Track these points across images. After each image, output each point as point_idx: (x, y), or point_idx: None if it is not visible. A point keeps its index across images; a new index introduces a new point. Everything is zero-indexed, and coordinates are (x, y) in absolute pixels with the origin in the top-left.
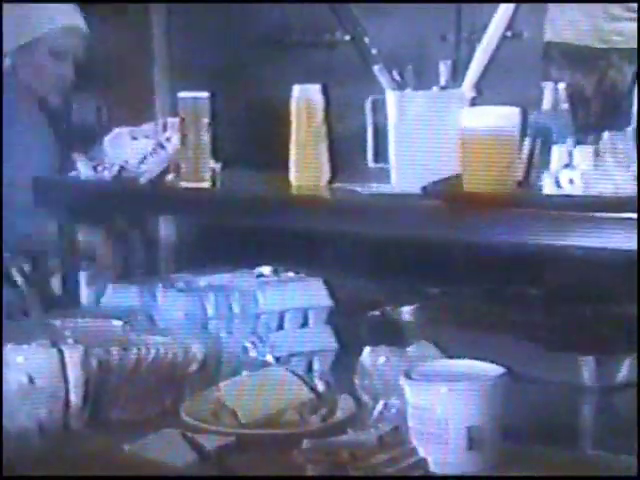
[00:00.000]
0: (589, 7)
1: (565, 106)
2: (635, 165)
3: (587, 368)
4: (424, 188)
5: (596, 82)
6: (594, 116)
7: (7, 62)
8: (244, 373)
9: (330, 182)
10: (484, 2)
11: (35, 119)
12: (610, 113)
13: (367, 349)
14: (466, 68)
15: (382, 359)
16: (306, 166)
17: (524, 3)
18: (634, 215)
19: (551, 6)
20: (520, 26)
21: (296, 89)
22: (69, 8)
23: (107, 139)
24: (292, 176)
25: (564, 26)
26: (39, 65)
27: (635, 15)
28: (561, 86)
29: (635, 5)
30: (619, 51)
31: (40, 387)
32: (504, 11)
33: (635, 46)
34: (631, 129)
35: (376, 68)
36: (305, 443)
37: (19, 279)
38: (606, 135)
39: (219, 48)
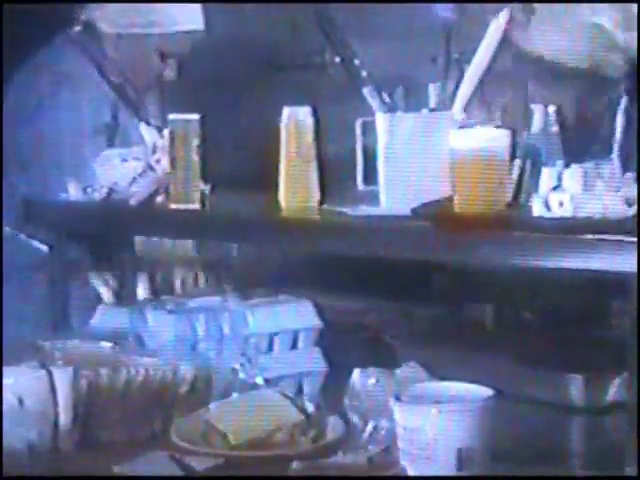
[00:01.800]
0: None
1: (555, 129)
2: (624, 188)
3: (576, 387)
4: (414, 210)
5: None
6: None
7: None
8: (234, 395)
9: (320, 204)
10: (484, 2)
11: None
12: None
13: (357, 371)
14: (456, 90)
15: (372, 381)
16: (296, 188)
17: (524, 3)
18: (623, 237)
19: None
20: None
21: (286, 111)
22: (195, 11)
23: (97, 161)
24: (282, 198)
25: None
26: (142, 61)
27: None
28: (551, 109)
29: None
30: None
31: (30, 408)
32: (494, 33)
33: None
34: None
35: (366, 90)
36: (295, 465)
37: None
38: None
39: (208, 69)
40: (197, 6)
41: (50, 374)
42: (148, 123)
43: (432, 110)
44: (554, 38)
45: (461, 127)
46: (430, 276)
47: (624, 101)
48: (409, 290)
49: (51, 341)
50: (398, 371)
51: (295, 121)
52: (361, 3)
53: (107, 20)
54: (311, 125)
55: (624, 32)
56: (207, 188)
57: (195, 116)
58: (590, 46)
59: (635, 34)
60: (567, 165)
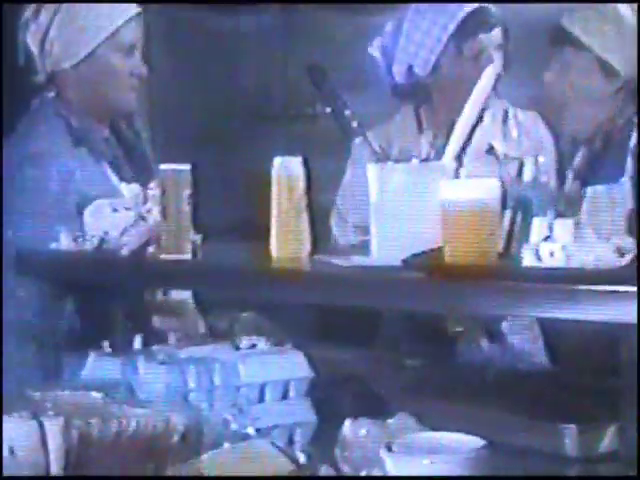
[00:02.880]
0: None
1: (545, 178)
2: (615, 237)
3: (569, 438)
4: (405, 260)
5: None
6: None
7: (49, 94)
8: (225, 445)
9: (311, 254)
10: (485, 2)
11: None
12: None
13: (348, 421)
14: (446, 140)
15: (363, 431)
16: (287, 238)
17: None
18: (615, 288)
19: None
20: None
21: (277, 161)
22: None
23: (87, 211)
24: (273, 248)
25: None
26: (107, 68)
27: None
28: (541, 159)
29: None
30: None
31: (21, 458)
32: (485, 82)
33: None
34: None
35: (357, 141)
36: None
37: None
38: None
39: (200, 119)
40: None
41: (41, 424)
42: (128, 181)
43: (423, 160)
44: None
45: (453, 177)
46: (421, 326)
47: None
48: (400, 340)
49: (42, 391)
50: (389, 421)
51: (286, 171)
52: (360, 4)
53: (59, 60)
54: (302, 175)
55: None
56: (198, 238)
57: (186, 166)
58: None
59: None
60: (558, 215)
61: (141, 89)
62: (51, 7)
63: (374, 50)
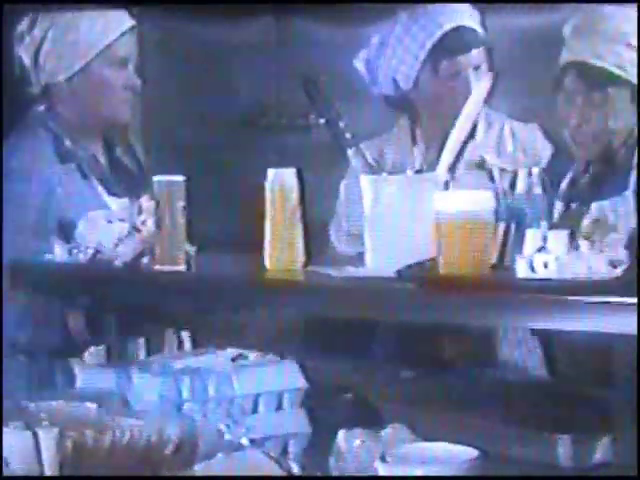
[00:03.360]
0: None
1: (539, 190)
2: (609, 249)
3: (563, 448)
4: (399, 272)
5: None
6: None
7: (39, 108)
8: (219, 455)
9: (305, 265)
10: (484, 2)
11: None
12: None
13: (342, 432)
14: (440, 152)
15: (357, 442)
16: (281, 249)
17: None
18: (608, 299)
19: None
20: None
21: (271, 172)
22: (118, 13)
23: (82, 222)
24: (267, 259)
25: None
26: (101, 81)
27: None
28: (535, 170)
29: None
30: None
31: (15, 469)
32: (478, 94)
33: None
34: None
35: (350, 152)
36: None
37: None
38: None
39: (194, 131)
40: (118, 10)
41: (35, 435)
42: (118, 196)
43: (417, 172)
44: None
45: (446, 189)
46: (415, 337)
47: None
48: (394, 351)
49: (36, 402)
50: (383, 432)
51: (280, 182)
52: (360, 3)
53: (52, 73)
54: (296, 186)
55: None
56: (192, 249)
57: (180, 178)
58: None
59: None
60: (552, 226)
61: (134, 102)
62: (46, 20)
63: (358, 62)
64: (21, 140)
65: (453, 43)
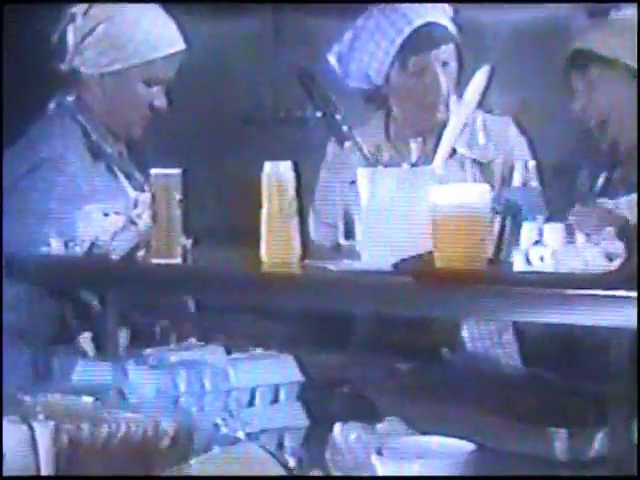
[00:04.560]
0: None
1: (535, 183)
2: (605, 242)
3: (559, 442)
4: (395, 265)
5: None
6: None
7: (69, 98)
8: (215, 449)
9: (301, 258)
10: (483, 3)
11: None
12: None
13: (338, 425)
14: (437, 145)
15: (353, 435)
16: (277, 243)
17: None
18: (604, 292)
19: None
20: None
21: (267, 165)
22: (172, 33)
23: (78, 215)
24: (263, 253)
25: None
26: (130, 92)
27: None
28: (531, 164)
29: None
30: None
31: (11, 463)
32: (474, 89)
33: None
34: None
35: (347, 145)
36: None
37: None
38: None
39: (190, 124)
40: (173, 27)
41: (31, 428)
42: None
43: (413, 165)
44: None
45: (442, 182)
46: (411, 330)
47: None
48: (390, 344)
49: (32, 395)
50: (380, 426)
51: (276, 175)
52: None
53: (88, 63)
54: (292, 179)
55: None
56: (189, 243)
57: (176, 171)
58: None
59: None
60: (548, 219)
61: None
62: (102, 12)
63: (331, 56)
64: (50, 128)
65: (422, 39)
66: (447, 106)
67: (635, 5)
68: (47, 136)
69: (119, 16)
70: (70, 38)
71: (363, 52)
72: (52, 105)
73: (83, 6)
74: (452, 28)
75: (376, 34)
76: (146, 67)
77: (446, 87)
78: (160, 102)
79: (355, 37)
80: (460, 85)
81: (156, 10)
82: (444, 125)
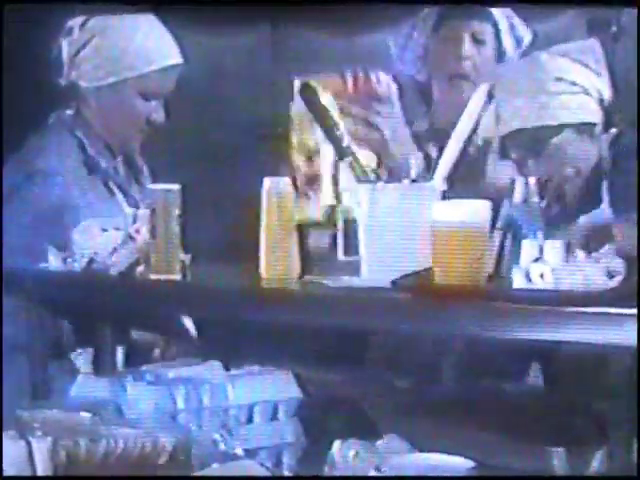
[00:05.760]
0: (528, 91)
1: (535, 200)
2: (605, 260)
3: (558, 460)
4: (394, 281)
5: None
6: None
7: (68, 112)
8: (214, 466)
9: (300, 275)
10: (482, 3)
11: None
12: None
13: (337, 442)
14: (437, 161)
15: (352, 452)
16: (276, 259)
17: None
18: (604, 309)
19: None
20: None
21: (267, 181)
22: (168, 46)
23: (76, 231)
24: (262, 269)
25: (511, 116)
26: (126, 105)
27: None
28: (532, 180)
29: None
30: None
31: (9, 478)
32: (474, 105)
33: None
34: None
35: (347, 161)
36: None
37: None
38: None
39: (190, 139)
40: (170, 40)
41: (29, 444)
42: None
43: (414, 181)
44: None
45: (443, 198)
46: (410, 347)
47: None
48: (389, 361)
49: (30, 411)
50: (379, 443)
51: (276, 191)
52: (361, 4)
53: (85, 76)
54: (292, 196)
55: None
56: (188, 258)
57: (175, 186)
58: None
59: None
60: (549, 236)
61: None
62: (98, 24)
63: (390, 40)
64: (48, 141)
65: (457, 11)
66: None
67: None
68: (43, 148)
69: (113, 29)
70: (65, 51)
71: (413, 29)
72: (52, 118)
73: (80, 18)
74: (496, 11)
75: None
76: (142, 80)
77: (469, 56)
78: (158, 116)
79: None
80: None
81: (152, 23)
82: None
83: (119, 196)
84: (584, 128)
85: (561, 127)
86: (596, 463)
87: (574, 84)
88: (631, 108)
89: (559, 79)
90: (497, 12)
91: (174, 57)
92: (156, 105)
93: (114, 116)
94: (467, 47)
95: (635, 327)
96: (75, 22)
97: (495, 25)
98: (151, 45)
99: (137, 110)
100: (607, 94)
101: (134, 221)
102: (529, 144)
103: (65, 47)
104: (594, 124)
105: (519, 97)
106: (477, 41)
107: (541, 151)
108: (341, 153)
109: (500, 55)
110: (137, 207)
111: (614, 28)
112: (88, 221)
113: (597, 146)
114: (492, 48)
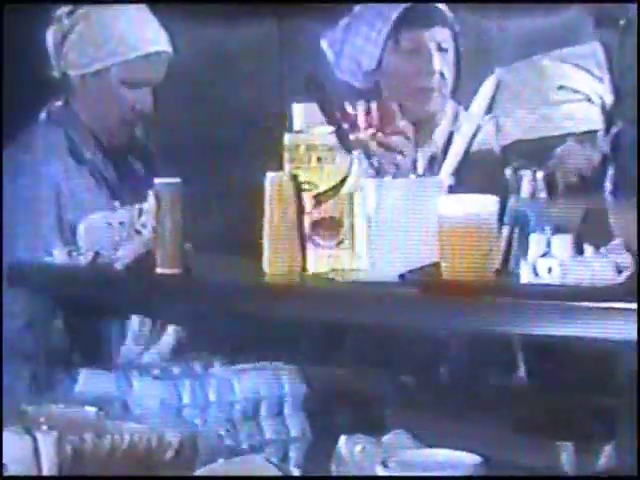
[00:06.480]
0: (530, 101)
1: (543, 194)
2: (612, 254)
3: (566, 455)
4: (401, 276)
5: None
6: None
7: (57, 103)
8: (219, 461)
9: (304, 269)
10: (481, 3)
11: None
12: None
13: (343, 437)
14: (444, 156)
15: (358, 447)
16: (280, 253)
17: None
18: (612, 304)
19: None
20: None
21: (270, 176)
22: (154, 32)
23: (82, 225)
24: (266, 263)
25: (512, 127)
26: (112, 93)
27: (580, 96)
28: (539, 174)
29: (574, 85)
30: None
31: (14, 473)
32: (481, 99)
33: (589, 128)
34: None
35: (354, 155)
36: None
37: None
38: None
39: (194, 133)
40: (157, 27)
41: (34, 439)
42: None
43: (420, 176)
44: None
45: (449, 193)
46: (417, 342)
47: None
48: (396, 356)
49: (35, 406)
50: (385, 438)
51: (279, 186)
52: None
53: (72, 65)
54: (295, 190)
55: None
56: (192, 253)
57: (179, 180)
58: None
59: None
60: (556, 231)
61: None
62: (82, 11)
63: (324, 41)
64: (35, 135)
65: (417, 17)
66: (442, 93)
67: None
68: (32, 141)
69: (96, 15)
70: (52, 39)
71: (356, 35)
72: (44, 110)
73: (67, 7)
74: (449, 14)
75: (370, 16)
76: (126, 67)
77: (439, 70)
78: (144, 105)
79: (350, 22)
80: (460, 80)
81: (137, 9)
82: (436, 116)
83: (106, 190)
84: (586, 136)
85: (563, 137)
86: (604, 458)
87: (576, 92)
88: (634, 104)
89: (561, 87)
90: (449, 13)
91: (160, 44)
92: (142, 94)
93: (99, 105)
94: (437, 60)
95: None
96: (62, 11)
97: (452, 27)
98: (135, 31)
99: (122, 99)
100: (609, 99)
101: (140, 215)
102: (531, 154)
103: (52, 35)
104: (596, 131)
105: (521, 107)
106: (441, 49)
107: (543, 161)
108: (349, 147)
109: (458, 60)
110: (124, 202)
111: (622, 22)
112: (93, 216)
113: (599, 150)
114: (453, 55)
